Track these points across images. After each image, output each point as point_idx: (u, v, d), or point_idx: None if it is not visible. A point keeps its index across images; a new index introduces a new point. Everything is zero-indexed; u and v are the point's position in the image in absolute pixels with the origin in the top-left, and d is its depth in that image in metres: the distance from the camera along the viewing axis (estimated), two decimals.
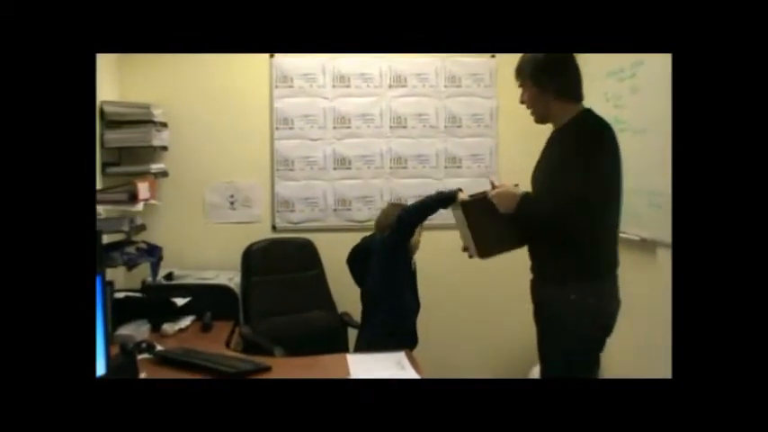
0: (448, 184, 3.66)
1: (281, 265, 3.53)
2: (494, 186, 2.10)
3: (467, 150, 3.87)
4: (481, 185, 2.37)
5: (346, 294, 3.27)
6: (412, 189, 3.79)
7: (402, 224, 2.63)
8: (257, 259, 3.49)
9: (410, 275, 2.80)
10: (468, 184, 3.04)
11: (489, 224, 2.05)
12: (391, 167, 3.84)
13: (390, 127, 3.83)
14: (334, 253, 3.34)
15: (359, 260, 2.94)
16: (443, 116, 3.84)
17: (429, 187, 3.63)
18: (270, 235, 3.76)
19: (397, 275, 2.72)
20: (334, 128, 3.79)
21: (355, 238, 3.14)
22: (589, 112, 2.06)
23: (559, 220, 1.91)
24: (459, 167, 3.86)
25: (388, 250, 2.70)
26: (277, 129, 3.78)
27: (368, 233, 3.11)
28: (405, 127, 3.84)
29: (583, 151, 1.90)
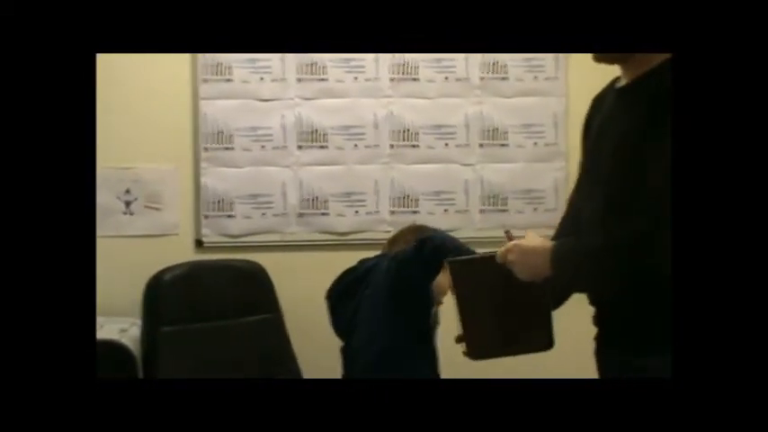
0: (485, 175, 3.26)
1: (211, 305, 3.04)
2: (510, 238, 1.80)
3: (516, 117, 3.31)
4: (538, 178, 3.07)
5: (319, 354, 2.89)
6: (426, 181, 3.28)
7: (430, 245, 2.30)
8: (170, 297, 3.01)
9: (427, 332, 2.39)
10: (517, 176, 3.17)
11: (493, 304, 1.78)
12: (393, 145, 3.28)
13: (392, 79, 3.25)
14: (300, 285, 3.07)
15: (348, 297, 2.52)
16: (478, 61, 3.30)
17: (453, 179, 3.25)
18: (192, 256, 3.17)
19: (407, 329, 2.34)
20: (299, 80, 3.20)
21: (335, 261, 2.73)
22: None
23: (641, 247, 1.60)
24: (503, 145, 3.30)
25: (395, 281, 2.35)
26: (205, 81, 3.13)
27: (358, 253, 2.68)
28: (415, 78, 3.27)
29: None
